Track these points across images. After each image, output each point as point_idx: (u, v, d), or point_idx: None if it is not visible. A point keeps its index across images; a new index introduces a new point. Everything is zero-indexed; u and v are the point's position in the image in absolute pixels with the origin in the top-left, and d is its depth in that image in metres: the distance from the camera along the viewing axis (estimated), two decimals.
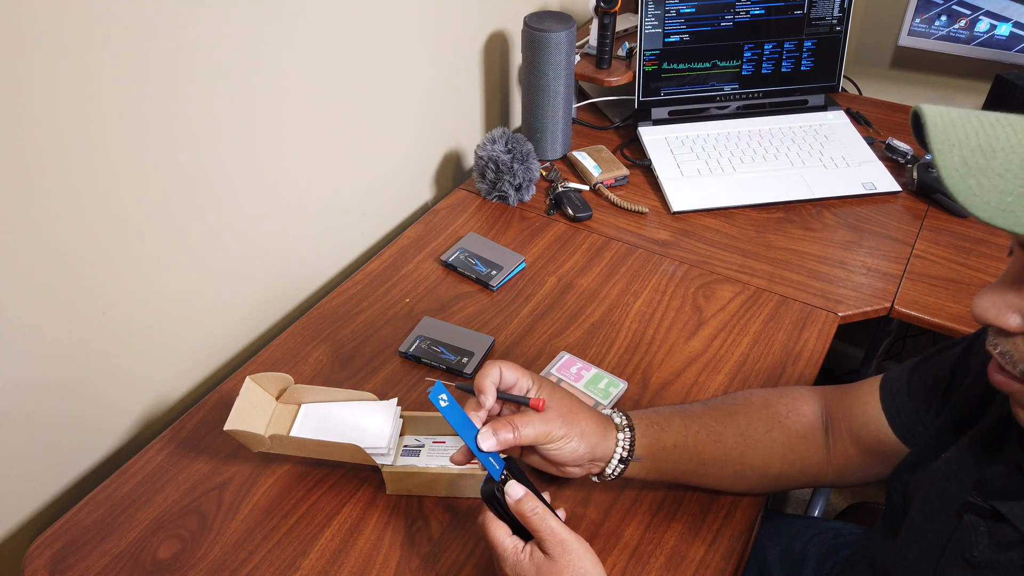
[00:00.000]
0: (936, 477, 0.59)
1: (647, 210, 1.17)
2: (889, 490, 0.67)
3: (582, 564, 0.59)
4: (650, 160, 1.25)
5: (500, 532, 0.61)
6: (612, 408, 0.73)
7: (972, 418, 0.61)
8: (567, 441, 0.65)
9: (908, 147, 1.25)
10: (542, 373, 0.90)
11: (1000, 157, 0.41)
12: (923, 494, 0.60)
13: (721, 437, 0.73)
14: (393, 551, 0.73)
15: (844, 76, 1.35)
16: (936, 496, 0.58)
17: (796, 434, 0.75)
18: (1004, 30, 1.29)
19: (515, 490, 0.61)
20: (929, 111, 0.44)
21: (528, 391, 0.66)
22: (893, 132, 1.35)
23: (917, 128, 0.45)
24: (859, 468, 0.74)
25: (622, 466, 0.70)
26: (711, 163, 1.24)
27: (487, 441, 0.62)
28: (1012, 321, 0.47)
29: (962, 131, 0.43)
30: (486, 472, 0.64)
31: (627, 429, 0.70)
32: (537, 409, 0.64)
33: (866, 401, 0.72)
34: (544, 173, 1.24)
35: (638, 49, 1.27)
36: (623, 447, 0.69)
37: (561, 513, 0.67)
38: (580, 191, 1.21)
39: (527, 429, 0.63)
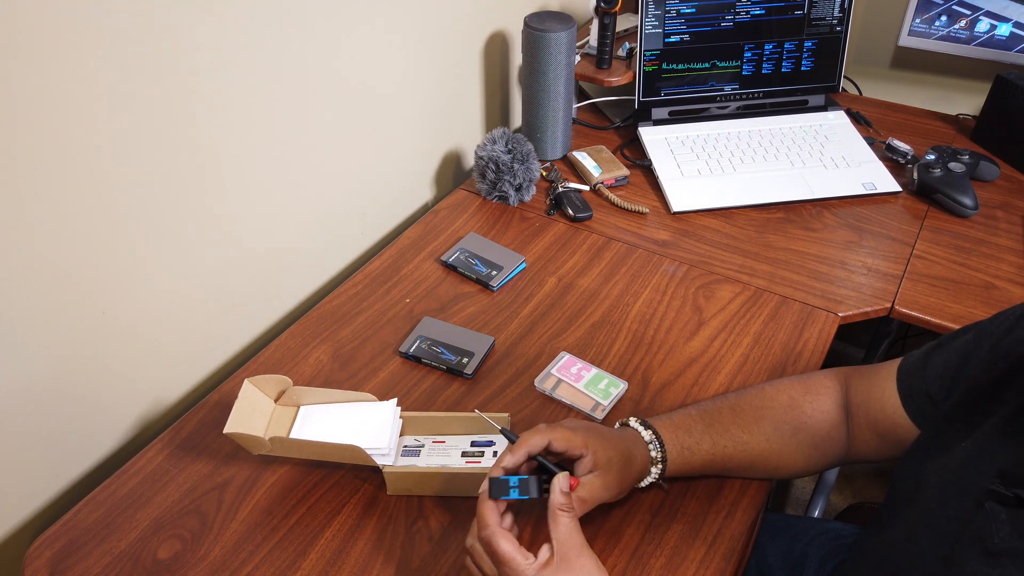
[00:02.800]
0: (953, 465, 0.59)
1: (647, 210, 1.17)
2: (895, 480, 0.67)
3: (581, 573, 0.59)
4: (650, 160, 1.25)
5: (509, 545, 0.60)
6: (648, 433, 0.73)
7: (987, 404, 0.60)
8: (620, 495, 0.70)
9: (908, 147, 1.25)
10: (542, 374, 0.90)
11: None
12: (938, 481, 0.59)
13: (748, 446, 0.75)
14: (393, 551, 0.73)
15: (844, 76, 1.35)
16: (952, 483, 0.58)
17: (821, 433, 0.76)
18: (1004, 30, 1.29)
19: (564, 484, 0.63)
20: None
21: (582, 458, 0.66)
22: (893, 132, 1.35)
23: None
24: (874, 451, 0.75)
25: (646, 486, 0.75)
26: (711, 163, 1.24)
27: (562, 524, 0.63)
28: None
29: None
30: (487, 470, 0.68)
31: (660, 463, 0.73)
32: (572, 488, 0.65)
33: (884, 386, 0.73)
34: (544, 173, 1.24)
35: (638, 49, 1.27)
36: (652, 477, 0.73)
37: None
38: (580, 191, 1.21)
39: (593, 499, 0.66)
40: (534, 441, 0.66)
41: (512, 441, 0.67)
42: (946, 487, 0.58)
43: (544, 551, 0.60)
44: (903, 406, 0.71)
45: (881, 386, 0.73)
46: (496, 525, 0.61)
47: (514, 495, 0.64)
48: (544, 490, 0.65)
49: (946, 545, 0.56)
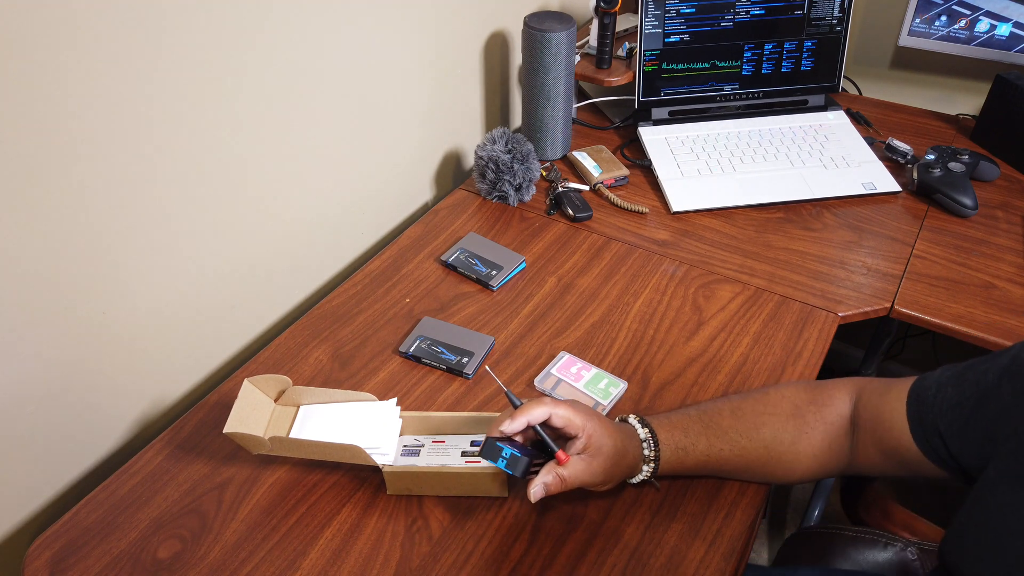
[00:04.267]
0: None
1: (647, 210, 1.17)
2: (946, 555, 0.63)
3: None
4: (650, 160, 1.25)
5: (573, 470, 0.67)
6: (645, 431, 0.74)
7: None
8: (607, 485, 0.72)
9: (908, 147, 1.25)
10: (542, 373, 0.90)
11: None
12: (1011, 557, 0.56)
13: (746, 451, 0.74)
14: (393, 551, 0.73)
15: (844, 76, 1.35)
16: None
17: (822, 445, 0.75)
18: (1004, 30, 1.29)
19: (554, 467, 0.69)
20: None
21: (576, 438, 0.69)
22: (893, 132, 1.35)
23: None
24: (878, 467, 0.75)
25: (638, 483, 0.76)
26: (711, 163, 1.24)
27: (535, 489, 0.67)
28: None
29: None
30: (487, 470, 0.74)
31: (653, 462, 0.73)
32: (559, 462, 0.68)
33: (894, 407, 0.71)
34: (544, 173, 1.24)
35: (638, 49, 1.27)
36: (646, 474, 0.74)
37: None
38: (580, 191, 1.21)
39: (574, 480, 0.68)
40: (536, 412, 0.68)
41: (515, 407, 0.69)
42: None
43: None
44: (911, 432, 0.69)
45: (892, 407, 0.71)
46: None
47: (500, 464, 0.68)
48: (530, 473, 0.69)
49: None
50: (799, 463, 0.75)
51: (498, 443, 0.68)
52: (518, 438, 0.71)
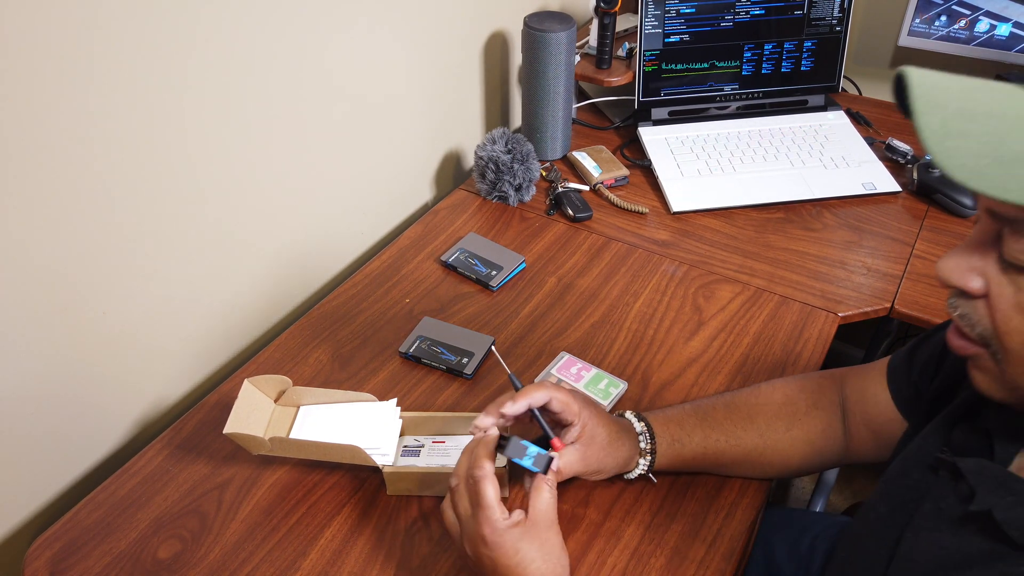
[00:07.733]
0: (915, 444, 0.60)
1: (647, 210, 1.17)
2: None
3: (545, 545, 0.60)
4: (650, 160, 1.25)
5: (495, 492, 0.60)
6: (641, 424, 0.74)
7: (954, 392, 0.62)
8: (600, 475, 0.72)
9: (908, 147, 1.25)
10: (542, 374, 0.90)
11: (979, 122, 0.41)
12: (903, 456, 0.61)
13: (741, 441, 0.75)
14: (393, 551, 0.73)
15: (844, 76, 1.35)
16: (912, 455, 0.59)
17: (816, 430, 0.76)
18: (1004, 30, 1.29)
19: (555, 463, 0.65)
20: (913, 73, 0.44)
21: (571, 426, 0.69)
22: (893, 132, 1.35)
23: (900, 91, 0.44)
24: (872, 450, 0.76)
25: (635, 477, 0.76)
26: (711, 163, 1.24)
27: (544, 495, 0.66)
28: (974, 284, 0.48)
29: (944, 94, 0.43)
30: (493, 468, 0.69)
31: (650, 454, 0.74)
32: (554, 449, 0.68)
33: (877, 380, 0.74)
34: (544, 173, 1.24)
35: (638, 49, 1.27)
36: (643, 468, 0.74)
37: None
38: (580, 191, 1.21)
39: (568, 470, 0.68)
40: (537, 395, 0.68)
41: (517, 389, 0.68)
42: (907, 458, 0.60)
43: (518, 513, 0.61)
44: (893, 400, 0.72)
45: (874, 381, 0.74)
46: (491, 469, 0.61)
47: (527, 463, 0.63)
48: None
49: (906, 512, 0.56)
50: (795, 451, 0.76)
51: (522, 441, 0.64)
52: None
